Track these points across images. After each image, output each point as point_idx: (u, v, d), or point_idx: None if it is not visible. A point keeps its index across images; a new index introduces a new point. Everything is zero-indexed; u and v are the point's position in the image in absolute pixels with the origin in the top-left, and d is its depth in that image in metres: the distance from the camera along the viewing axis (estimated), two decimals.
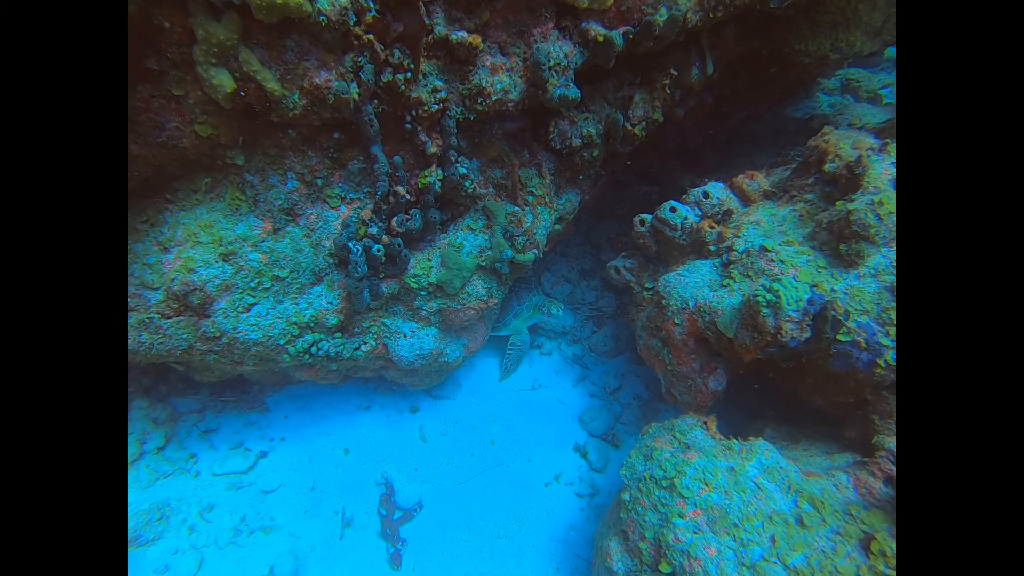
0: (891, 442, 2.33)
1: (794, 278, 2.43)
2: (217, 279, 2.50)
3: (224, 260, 2.52)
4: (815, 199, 2.78)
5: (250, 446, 3.54)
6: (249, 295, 2.61)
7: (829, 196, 2.75)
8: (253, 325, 2.64)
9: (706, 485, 2.19)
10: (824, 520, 2.10)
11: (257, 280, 2.60)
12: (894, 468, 2.25)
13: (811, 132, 5.14)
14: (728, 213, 3.05)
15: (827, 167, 2.73)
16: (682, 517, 2.14)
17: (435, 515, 3.31)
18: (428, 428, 3.82)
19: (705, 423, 2.59)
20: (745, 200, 3.12)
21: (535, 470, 3.63)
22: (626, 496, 2.38)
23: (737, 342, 2.46)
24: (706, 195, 3.08)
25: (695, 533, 2.10)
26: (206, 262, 2.48)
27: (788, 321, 2.24)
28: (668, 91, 2.96)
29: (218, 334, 2.60)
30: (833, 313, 2.21)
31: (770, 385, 3.33)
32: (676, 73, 2.88)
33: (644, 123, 3.10)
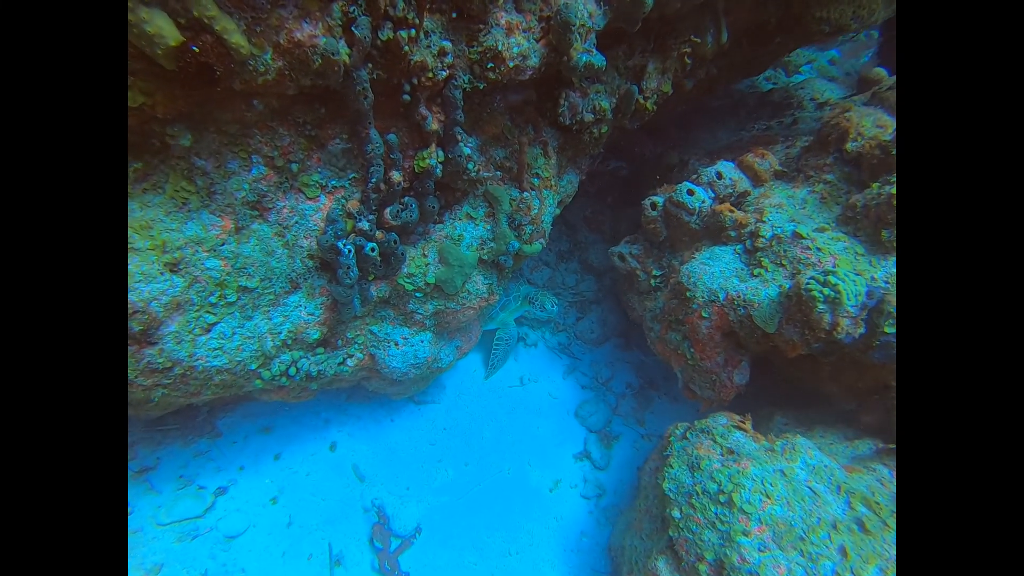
0: None
1: (833, 266, 2.30)
2: (164, 296, 1.93)
3: (172, 271, 1.95)
4: (836, 180, 2.66)
5: (204, 483, 2.96)
6: (208, 312, 2.06)
7: (850, 177, 2.64)
8: (216, 349, 2.10)
9: (768, 497, 2.03)
10: (886, 524, 2.02)
11: (219, 293, 2.05)
12: None
13: (774, 106, 5.14)
14: (743, 195, 2.87)
15: (849, 146, 2.60)
16: (747, 535, 1.97)
17: (436, 539, 2.98)
18: (415, 438, 3.43)
19: (742, 423, 2.44)
20: (756, 180, 2.96)
21: (536, 474, 3.38)
22: (675, 513, 2.18)
23: (782, 338, 2.30)
24: (719, 175, 2.87)
25: (762, 551, 1.94)
26: (147, 275, 1.89)
27: (846, 317, 2.09)
28: (687, 60, 2.67)
29: (169, 364, 2.03)
30: (889, 307, 2.10)
31: (768, 367, 3.28)
32: (698, 40, 2.60)
33: (655, 96, 2.81)
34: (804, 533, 1.96)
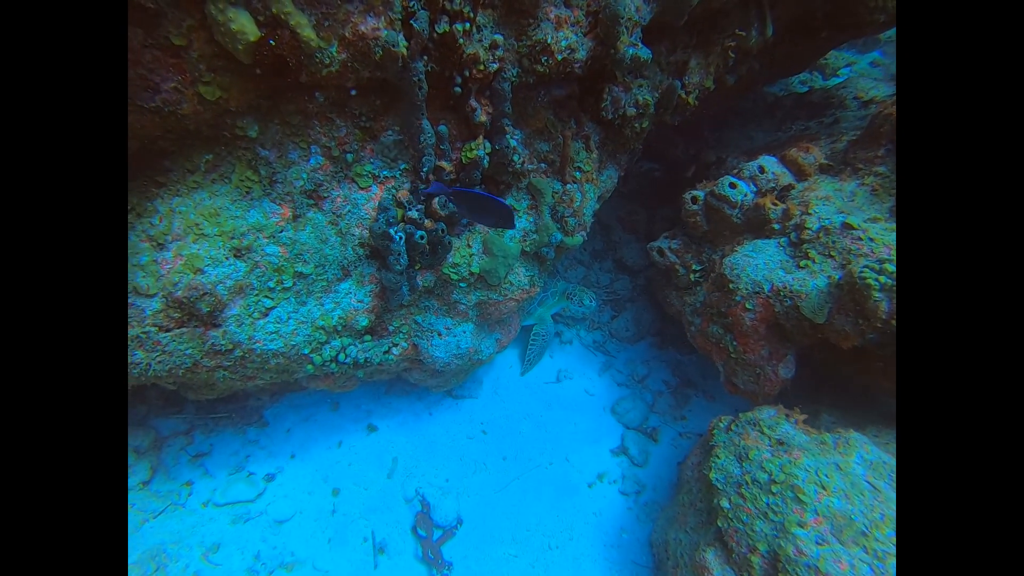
0: None
1: (889, 255, 2.25)
2: (229, 279, 2.03)
3: (236, 256, 2.04)
4: (888, 172, 2.61)
5: (254, 469, 3.06)
6: (267, 297, 2.15)
7: None
8: (272, 333, 2.19)
9: (824, 489, 1.99)
10: None
11: (277, 278, 2.14)
12: None
13: (812, 106, 5.05)
14: (787, 189, 2.85)
15: None
16: (803, 527, 1.93)
17: (477, 530, 3.00)
18: (453, 432, 3.47)
19: (789, 414, 2.40)
20: (800, 174, 2.92)
21: (575, 469, 3.37)
22: (724, 503, 2.16)
23: (833, 328, 2.26)
24: (762, 169, 2.85)
25: (820, 544, 1.90)
26: (215, 259, 1.99)
27: None
28: (731, 55, 2.68)
29: (231, 346, 2.13)
30: None
31: (813, 365, 3.21)
32: (743, 34, 2.61)
33: (697, 91, 2.82)
34: (866, 528, 1.91)
